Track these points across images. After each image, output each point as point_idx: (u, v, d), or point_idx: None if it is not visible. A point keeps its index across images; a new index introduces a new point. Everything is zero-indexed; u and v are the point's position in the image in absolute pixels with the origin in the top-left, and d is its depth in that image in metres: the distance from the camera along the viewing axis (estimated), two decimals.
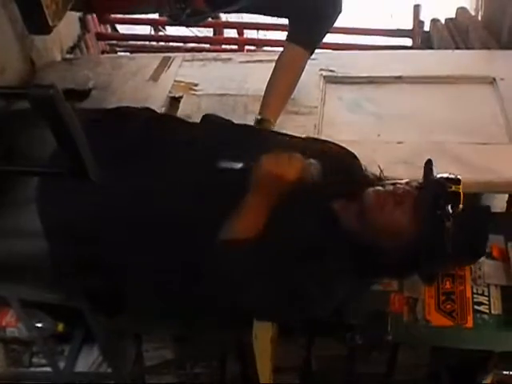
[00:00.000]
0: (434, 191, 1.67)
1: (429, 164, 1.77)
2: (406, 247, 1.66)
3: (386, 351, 2.38)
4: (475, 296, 2.17)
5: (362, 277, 1.74)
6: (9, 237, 1.80)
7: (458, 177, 1.69)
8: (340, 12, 2.36)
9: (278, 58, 2.38)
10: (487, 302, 2.16)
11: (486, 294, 2.18)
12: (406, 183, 1.72)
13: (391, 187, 1.70)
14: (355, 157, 1.94)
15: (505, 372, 2.33)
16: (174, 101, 2.70)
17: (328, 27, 2.40)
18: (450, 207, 1.63)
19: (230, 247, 1.60)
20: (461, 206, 1.63)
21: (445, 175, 1.70)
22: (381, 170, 1.83)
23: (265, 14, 2.67)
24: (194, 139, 1.86)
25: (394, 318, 2.16)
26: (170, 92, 2.75)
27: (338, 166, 1.86)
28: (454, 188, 1.64)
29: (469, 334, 2.13)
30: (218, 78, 2.83)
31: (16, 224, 1.80)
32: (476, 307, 2.15)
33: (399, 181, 1.74)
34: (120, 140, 1.84)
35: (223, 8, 2.63)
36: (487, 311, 2.14)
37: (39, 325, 2.37)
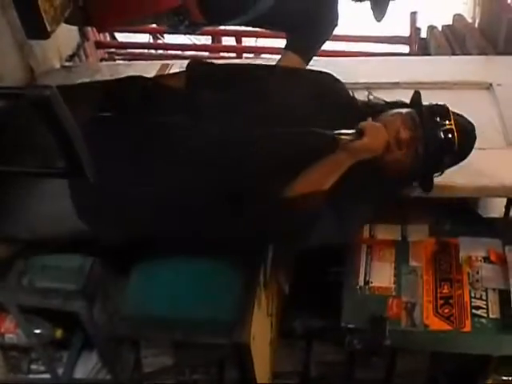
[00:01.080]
0: (433, 132, 1.89)
1: (418, 95, 2.01)
2: (409, 177, 1.97)
3: (385, 356, 2.37)
4: (473, 300, 2.17)
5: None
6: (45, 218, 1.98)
7: (446, 105, 1.96)
8: (337, 23, 2.38)
9: (276, 64, 2.40)
10: (485, 306, 2.16)
11: (484, 298, 2.18)
12: (401, 120, 1.91)
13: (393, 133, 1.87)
14: (339, 81, 2.18)
15: (504, 377, 2.32)
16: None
17: (325, 38, 2.42)
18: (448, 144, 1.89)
19: (301, 198, 1.78)
20: (456, 142, 1.89)
21: (433, 104, 1.98)
22: (368, 95, 2.08)
23: (263, 28, 2.69)
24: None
25: (392, 323, 2.15)
26: None
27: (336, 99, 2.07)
28: (447, 124, 1.89)
29: (467, 339, 2.13)
30: None
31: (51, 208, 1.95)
32: (474, 311, 2.15)
33: (393, 112, 1.94)
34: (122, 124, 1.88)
35: (220, 22, 2.66)
36: (485, 315, 2.14)
37: (38, 331, 2.36)
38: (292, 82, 2.08)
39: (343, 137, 1.84)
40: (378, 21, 2.27)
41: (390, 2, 2.28)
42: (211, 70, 2.17)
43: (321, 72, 2.19)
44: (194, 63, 2.22)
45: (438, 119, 1.91)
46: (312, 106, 1.96)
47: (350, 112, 2.00)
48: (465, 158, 2.00)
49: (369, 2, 2.30)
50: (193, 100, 1.99)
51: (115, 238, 2.00)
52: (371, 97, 2.09)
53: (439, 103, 1.98)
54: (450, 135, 1.88)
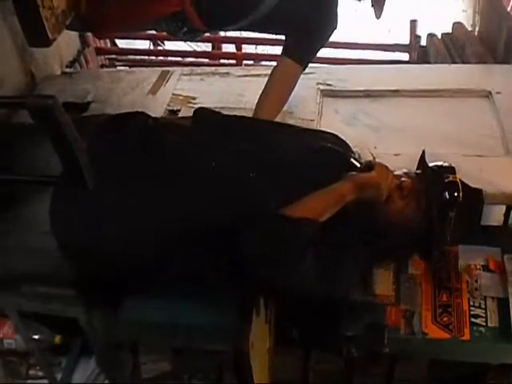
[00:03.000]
0: (435, 183, 1.86)
1: (423, 155, 1.98)
2: (409, 234, 1.88)
3: (383, 364, 2.37)
4: (472, 308, 2.17)
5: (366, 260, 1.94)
6: (23, 254, 1.86)
7: (452, 165, 1.92)
8: (335, 28, 2.39)
9: (272, 71, 2.41)
10: (484, 315, 2.16)
11: (483, 306, 2.18)
12: (405, 174, 1.90)
13: (395, 181, 1.87)
14: (347, 144, 2.11)
15: None
16: (173, 114, 2.73)
17: (322, 43, 2.43)
18: (450, 196, 1.84)
19: (297, 220, 1.70)
20: (461, 194, 1.84)
21: (439, 163, 1.94)
22: (373, 157, 1.99)
23: (261, 32, 2.70)
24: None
25: (390, 331, 2.15)
26: (168, 105, 2.78)
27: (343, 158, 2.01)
28: (451, 178, 1.78)
29: (466, 347, 2.13)
30: (215, 91, 2.86)
31: (31, 243, 1.85)
32: (473, 320, 2.15)
33: (398, 172, 1.88)
34: (121, 152, 1.87)
35: (220, 28, 2.67)
36: (484, 324, 2.14)
37: (36, 337, 2.37)
38: (294, 137, 2.08)
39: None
40: (378, 18, 2.27)
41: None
42: (218, 115, 2.16)
43: (326, 132, 2.18)
44: (202, 108, 2.22)
45: (442, 173, 1.90)
46: (308, 160, 1.95)
47: (343, 166, 1.96)
48: (475, 219, 1.97)
49: (368, 1, 2.29)
50: (197, 134, 2.00)
51: (107, 274, 1.90)
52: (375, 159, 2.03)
53: (445, 164, 1.96)
54: (453, 187, 1.86)
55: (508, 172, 2.29)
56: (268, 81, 2.40)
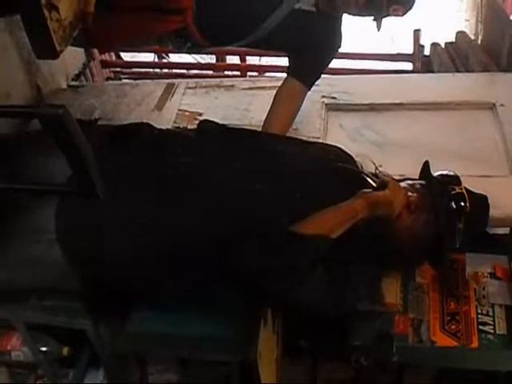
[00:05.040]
0: (441, 196, 1.87)
1: (427, 165, 2.00)
2: (419, 247, 1.89)
3: (392, 373, 2.36)
4: (480, 316, 2.17)
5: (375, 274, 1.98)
6: (29, 265, 1.86)
7: (456, 173, 1.94)
8: (338, 48, 2.40)
9: (277, 91, 2.42)
10: (492, 322, 2.15)
11: (491, 314, 2.17)
12: (411, 186, 1.90)
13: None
14: (352, 156, 2.12)
15: None
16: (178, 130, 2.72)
17: (326, 63, 2.44)
18: (457, 208, 1.85)
19: (309, 237, 1.69)
20: (467, 205, 1.85)
21: (443, 173, 1.96)
22: (376, 168, 2.00)
23: (264, 49, 2.71)
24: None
25: (398, 340, 2.15)
26: (174, 122, 2.78)
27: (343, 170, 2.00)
28: (457, 189, 1.78)
29: (474, 355, 2.12)
30: (221, 106, 2.86)
31: (37, 253, 1.84)
32: (481, 327, 2.14)
33: (403, 185, 1.86)
34: (127, 162, 1.88)
35: (222, 45, 2.69)
36: (492, 331, 2.13)
37: (44, 348, 2.37)
38: (299, 150, 2.08)
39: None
40: (378, 30, 2.28)
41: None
42: (223, 127, 2.17)
43: (331, 145, 2.19)
44: (207, 120, 2.23)
45: (448, 185, 1.90)
46: (317, 173, 1.95)
47: (356, 183, 1.95)
48: (482, 226, 2.00)
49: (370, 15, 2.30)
50: (202, 145, 2.00)
51: (113, 285, 1.90)
52: (378, 170, 2.05)
53: (450, 173, 1.97)
54: (460, 199, 1.87)
55: None
56: (274, 100, 2.41)
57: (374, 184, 1.94)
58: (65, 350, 2.41)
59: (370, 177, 2.01)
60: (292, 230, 1.71)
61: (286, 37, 2.32)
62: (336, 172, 1.98)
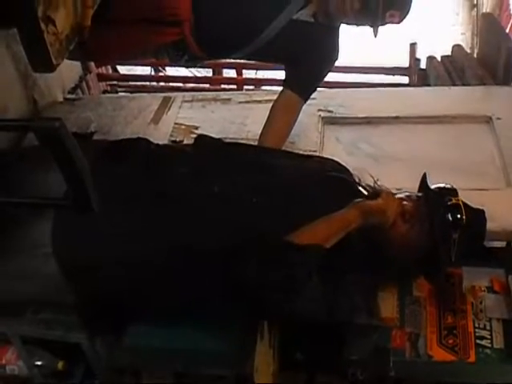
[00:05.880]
0: (437, 206, 1.86)
1: (425, 177, 2.00)
2: (413, 257, 1.88)
3: None
4: (477, 330, 2.16)
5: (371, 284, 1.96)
6: (25, 278, 1.85)
7: (454, 186, 1.93)
8: (335, 61, 2.41)
9: (274, 103, 2.43)
10: (489, 336, 2.14)
11: (488, 328, 2.16)
12: (408, 197, 1.90)
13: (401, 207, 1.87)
14: (348, 170, 2.12)
15: None
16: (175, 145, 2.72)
17: (322, 76, 2.45)
18: (453, 218, 1.85)
19: (303, 247, 1.69)
20: (464, 217, 1.85)
21: (441, 185, 1.95)
22: (374, 181, 2.01)
23: (261, 61, 2.72)
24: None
25: (395, 354, 2.14)
26: (171, 135, 2.78)
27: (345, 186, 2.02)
28: (453, 200, 1.78)
29: (472, 369, 2.11)
30: (218, 120, 2.87)
31: (33, 267, 1.84)
32: (478, 341, 2.13)
33: (399, 195, 1.85)
34: (123, 177, 1.88)
35: (220, 56, 2.69)
36: (489, 345, 2.12)
37: (39, 363, 2.35)
38: (296, 163, 2.10)
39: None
40: (375, 37, 2.28)
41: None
42: (219, 141, 2.18)
43: (327, 159, 2.21)
44: (203, 135, 2.23)
45: (445, 196, 1.90)
46: (312, 186, 1.96)
47: (349, 193, 1.97)
48: (478, 239, 1.98)
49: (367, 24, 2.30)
50: (198, 159, 2.01)
51: (109, 299, 1.89)
52: (377, 184, 2.06)
53: (447, 185, 1.97)
54: (456, 209, 1.87)
55: (509, 206, 2.30)
56: (270, 113, 2.41)
57: (367, 194, 1.95)
58: (60, 364, 2.39)
59: (363, 187, 2.02)
60: (287, 240, 1.71)
61: (284, 48, 2.33)
62: (330, 182, 1.99)
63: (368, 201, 1.85)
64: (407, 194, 1.95)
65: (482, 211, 1.96)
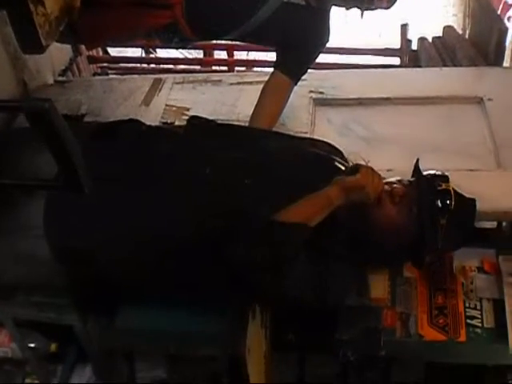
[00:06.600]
0: (427, 190, 1.86)
1: (417, 163, 1.98)
2: (400, 241, 1.88)
3: (380, 367, 2.37)
4: (467, 310, 2.18)
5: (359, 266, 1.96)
6: (17, 260, 1.87)
7: (446, 173, 1.92)
8: (326, 43, 2.40)
9: (264, 85, 2.42)
10: (480, 316, 2.17)
11: (479, 307, 2.19)
12: (398, 181, 1.89)
13: (387, 187, 1.87)
14: (340, 151, 2.14)
15: None
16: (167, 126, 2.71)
17: (312, 58, 2.44)
18: (442, 204, 1.84)
19: (287, 225, 1.71)
20: (453, 203, 1.84)
21: (432, 172, 1.94)
22: (366, 162, 1.97)
23: (253, 43, 2.71)
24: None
25: (386, 334, 2.16)
26: (162, 117, 2.77)
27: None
28: (444, 186, 1.78)
29: (462, 348, 2.14)
30: (209, 101, 2.85)
31: (24, 249, 1.85)
32: (469, 321, 2.16)
33: (391, 179, 1.85)
34: (114, 157, 1.88)
35: (211, 38, 2.68)
36: (480, 325, 2.15)
37: (32, 345, 2.36)
38: (287, 145, 2.10)
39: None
40: (362, 17, 2.28)
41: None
42: (212, 122, 2.18)
43: (319, 140, 2.21)
44: (196, 116, 2.23)
45: (435, 181, 1.90)
46: (303, 167, 1.97)
47: (330, 170, 1.97)
48: (466, 228, 1.96)
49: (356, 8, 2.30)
50: (190, 140, 2.00)
51: (101, 281, 1.90)
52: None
53: (438, 172, 1.97)
54: (445, 195, 1.86)
55: (499, 187, 2.28)
56: (261, 94, 2.40)
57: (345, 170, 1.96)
58: (53, 346, 2.40)
59: (342, 164, 2.02)
60: (271, 219, 1.73)
61: (275, 30, 2.32)
62: (319, 162, 2.00)
63: (347, 177, 1.84)
64: (398, 178, 1.95)
65: (473, 200, 1.95)
